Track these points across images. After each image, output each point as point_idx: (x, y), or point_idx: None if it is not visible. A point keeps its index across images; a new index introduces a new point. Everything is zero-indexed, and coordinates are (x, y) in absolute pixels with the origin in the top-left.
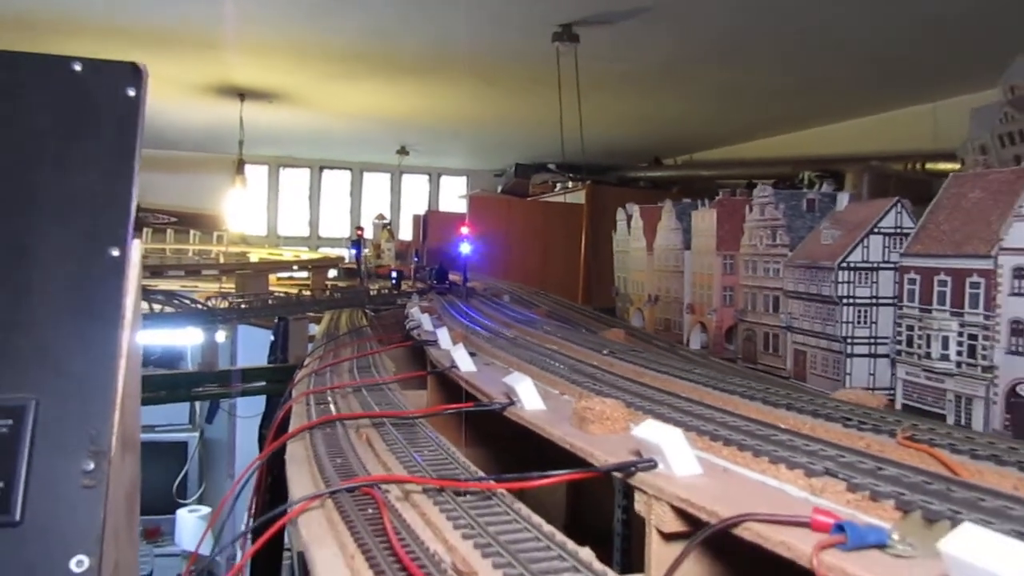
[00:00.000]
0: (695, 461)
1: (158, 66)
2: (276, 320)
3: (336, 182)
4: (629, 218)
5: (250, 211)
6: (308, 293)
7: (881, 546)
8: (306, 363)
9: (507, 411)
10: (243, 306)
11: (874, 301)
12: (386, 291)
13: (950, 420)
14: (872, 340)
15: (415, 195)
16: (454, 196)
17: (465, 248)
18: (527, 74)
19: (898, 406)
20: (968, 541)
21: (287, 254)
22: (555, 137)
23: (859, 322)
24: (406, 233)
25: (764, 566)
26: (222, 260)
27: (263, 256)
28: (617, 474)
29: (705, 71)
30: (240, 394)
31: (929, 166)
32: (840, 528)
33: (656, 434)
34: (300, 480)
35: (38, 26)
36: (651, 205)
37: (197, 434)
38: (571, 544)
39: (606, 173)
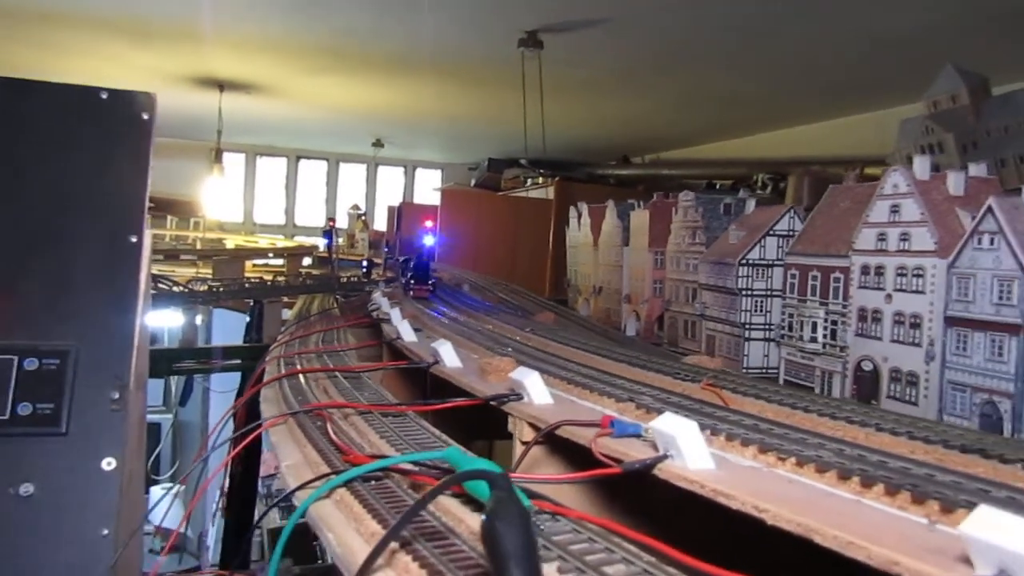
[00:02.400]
0: (548, 395)
1: (139, 56)
2: (252, 303)
3: (313, 172)
4: (579, 216)
5: (227, 198)
6: (283, 279)
7: (637, 435)
8: (279, 339)
9: (432, 368)
10: (221, 289)
11: (768, 293)
12: (355, 279)
13: (817, 391)
14: (766, 326)
15: (391, 186)
16: (430, 188)
17: (428, 240)
18: (494, 76)
19: (780, 381)
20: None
21: (263, 241)
22: (531, 134)
23: (755, 311)
24: (382, 223)
25: (588, 459)
26: (199, 246)
27: (239, 243)
28: (493, 403)
29: (663, 77)
30: (219, 370)
31: (869, 171)
32: (612, 424)
33: (523, 376)
34: (270, 408)
35: (18, 15)
36: (598, 204)
37: (171, 416)
38: (453, 441)
39: (576, 169)
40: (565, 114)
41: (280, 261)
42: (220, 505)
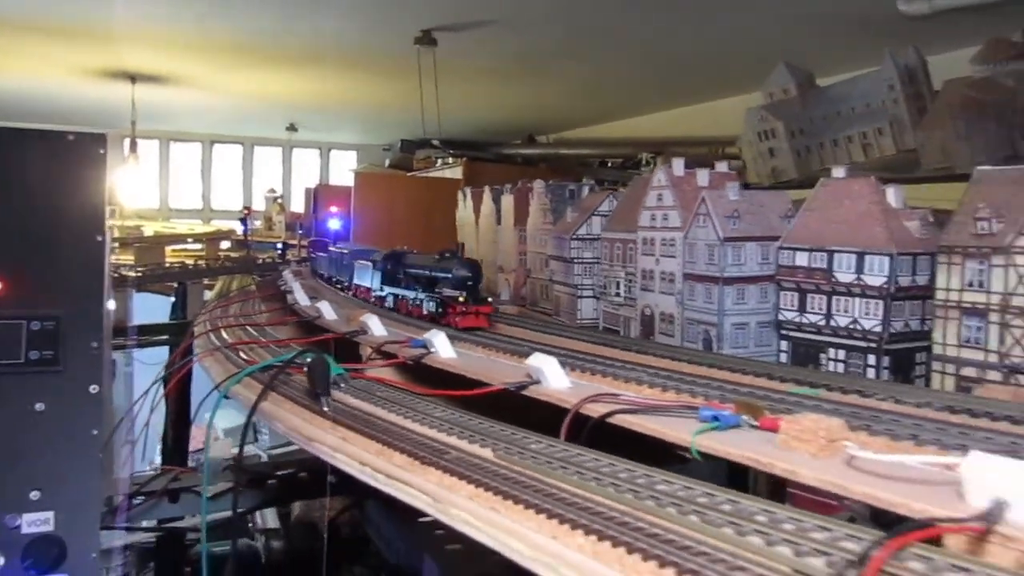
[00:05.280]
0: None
1: (54, 52)
2: (176, 285)
3: (228, 156)
4: (465, 198)
5: (142, 185)
6: (203, 263)
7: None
8: (203, 312)
9: (316, 321)
10: (147, 274)
11: (594, 261)
12: (271, 260)
13: (621, 333)
14: (593, 287)
15: (308, 168)
16: (346, 169)
17: (334, 224)
18: (396, 69)
19: (600, 328)
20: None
21: (181, 227)
22: (430, 118)
23: (585, 275)
24: (300, 205)
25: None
26: (116, 233)
27: (158, 229)
28: (348, 336)
29: (553, 67)
30: (148, 344)
31: (729, 150)
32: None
33: (370, 322)
34: (201, 345)
35: None
36: (478, 188)
37: None
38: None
39: (485, 149)
40: (467, 99)
41: (199, 246)
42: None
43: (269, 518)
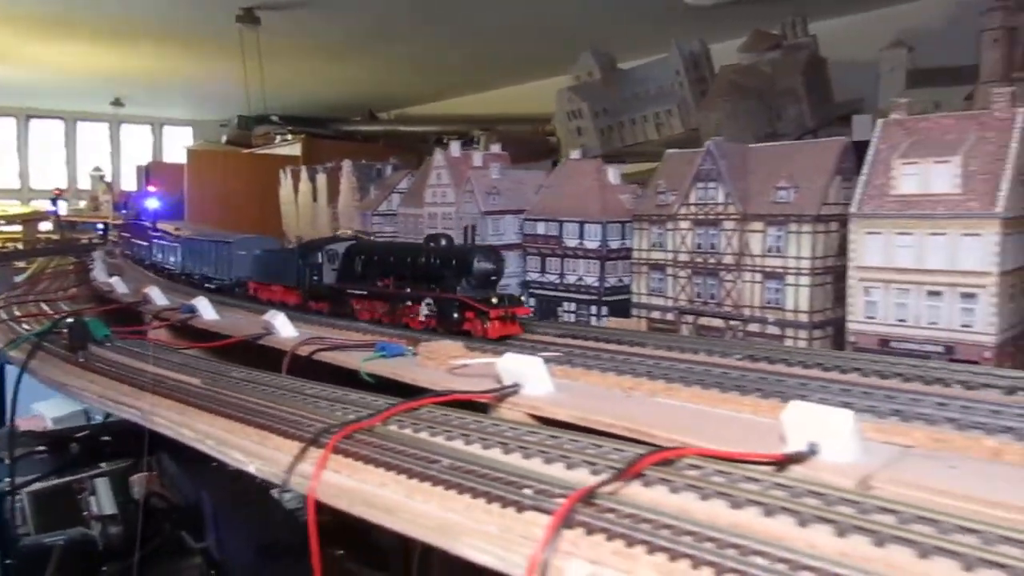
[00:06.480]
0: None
1: None
2: None
3: (47, 132)
4: (286, 178)
5: None
6: (19, 246)
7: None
8: (8, 292)
9: (109, 295)
10: None
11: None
12: (92, 241)
13: None
14: None
15: (139, 145)
16: (180, 146)
17: (152, 204)
18: (220, 45)
19: None
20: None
21: None
22: (257, 95)
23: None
24: (132, 183)
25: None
26: None
27: None
28: (133, 306)
29: (379, 46)
30: None
31: (548, 128)
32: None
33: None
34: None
35: None
36: (296, 167)
37: None
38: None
39: (325, 125)
40: (299, 77)
41: (17, 227)
42: None
43: (105, 504)
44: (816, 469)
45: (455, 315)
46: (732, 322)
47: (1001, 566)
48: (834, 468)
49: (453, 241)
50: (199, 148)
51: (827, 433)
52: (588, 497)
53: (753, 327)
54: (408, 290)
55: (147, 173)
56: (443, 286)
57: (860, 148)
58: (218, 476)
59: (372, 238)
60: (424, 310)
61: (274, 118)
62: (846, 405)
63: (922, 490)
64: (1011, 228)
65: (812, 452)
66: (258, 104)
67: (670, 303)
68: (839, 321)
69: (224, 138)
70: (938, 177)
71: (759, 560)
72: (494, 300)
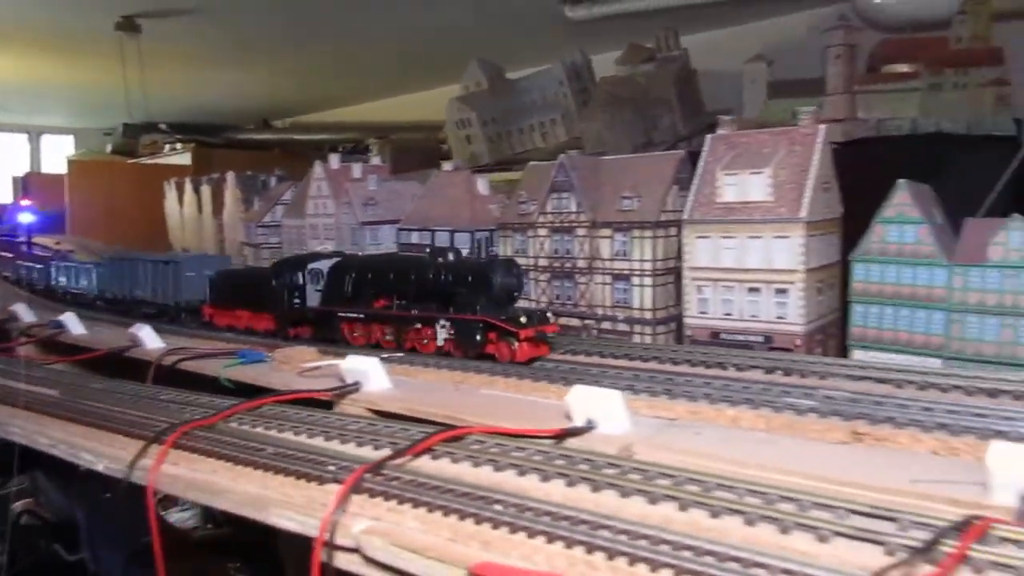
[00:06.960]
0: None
1: None
2: None
3: None
4: (171, 188)
5: None
6: None
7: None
8: None
9: None
10: None
11: (279, 246)
12: None
13: None
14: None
15: (16, 155)
16: (61, 156)
17: (26, 218)
18: (100, 52)
19: None
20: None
21: None
22: (138, 103)
23: (272, 259)
24: (8, 196)
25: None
26: None
27: None
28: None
29: (270, 54)
30: None
31: (440, 135)
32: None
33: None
34: None
35: None
36: (181, 179)
37: None
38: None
39: (217, 134)
40: (187, 85)
41: None
42: None
43: None
44: (590, 441)
45: (478, 337)
46: (587, 321)
47: (710, 507)
48: (605, 439)
49: (461, 254)
50: (81, 158)
51: (602, 411)
52: (378, 469)
53: (605, 325)
54: (414, 311)
55: (24, 184)
56: (459, 305)
57: (696, 159)
58: (91, 489)
59: (259, 248)
60: (442, 333)
61: (162, 126)
62: (630, 387)
63: (672, 452)
64: (814, 230)
65: (590, 427)
66: (140, 112)
67: (534, 305)
68: (680, 317)
69: (109, 147)
70: (753, 187)
71: (497, 507)
72: (523, 320)
